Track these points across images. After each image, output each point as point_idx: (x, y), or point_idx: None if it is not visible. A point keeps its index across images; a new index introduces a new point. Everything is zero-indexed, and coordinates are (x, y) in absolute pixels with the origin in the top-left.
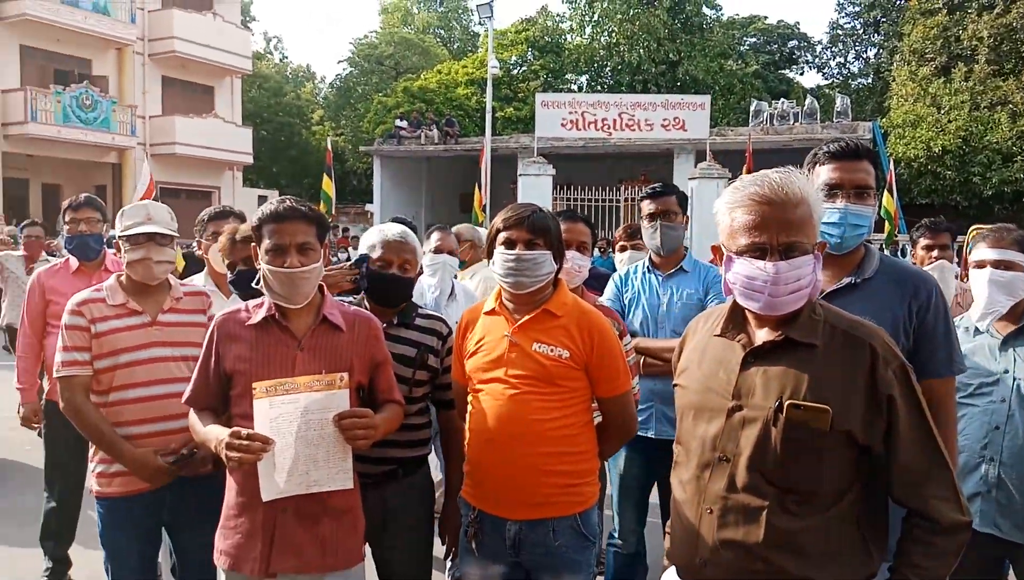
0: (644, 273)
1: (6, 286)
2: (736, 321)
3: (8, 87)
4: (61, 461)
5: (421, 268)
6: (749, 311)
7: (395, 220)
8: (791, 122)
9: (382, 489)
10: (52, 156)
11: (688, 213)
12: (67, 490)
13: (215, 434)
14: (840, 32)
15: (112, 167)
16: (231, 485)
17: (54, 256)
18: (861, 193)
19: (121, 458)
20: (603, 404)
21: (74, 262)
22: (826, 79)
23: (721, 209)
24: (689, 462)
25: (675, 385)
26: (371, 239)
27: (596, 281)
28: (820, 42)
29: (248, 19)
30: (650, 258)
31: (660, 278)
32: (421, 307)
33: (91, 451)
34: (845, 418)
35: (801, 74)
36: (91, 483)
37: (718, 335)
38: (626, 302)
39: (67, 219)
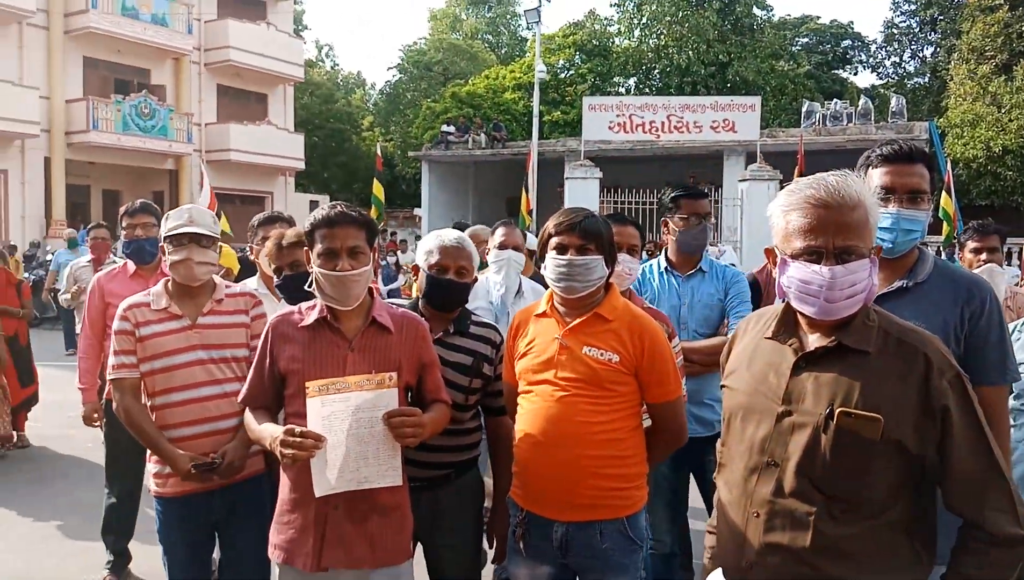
0: (661, 273)
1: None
2: (788, 324)
3: (72, 97)
4: (120, 459)
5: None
6: (801, 315)
7: (456, 226)
8: (844, 123)
9: (435, 491)
10: (112, 163)
11: (715, 217)
12: (126, 487)
13: (270, 432)
14: (895, 31)
15: (169, 173)
16: (285, 482)
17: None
18: (914, 197)
19: (164, 459)
20: (653, 410)
21: (131, 266)
22: (881, 79)
23: (776, 211)
24: (736, 464)
25: (723, 386)
26: (428, 245)
27: None
28: (875, 41)
29: (300, 28)
30: (667, 259)
31: (679, 279)
32: (475, 315)
33: (148, 451)
34: (897, 428)
35: (855, 74)
36: (149, 482)
37: (769, 338)
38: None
39: (124, 225)
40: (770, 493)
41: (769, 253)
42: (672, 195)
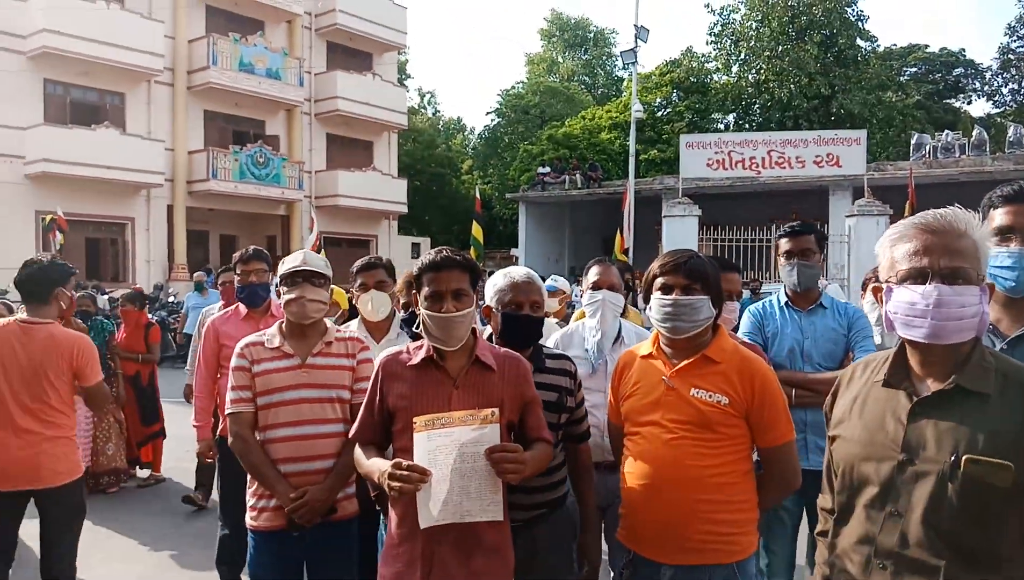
0: (781, 309)
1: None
2: (900, 369)
3: (194, 148)
4: (231, 492)
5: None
6: (914, 356)
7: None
8: (957, 154)
9: (531, 530)
10: (229, 209)
11: (824, 252)
12: (237, 519)
13: (378, 466)
14: (1012, 56)
15: (281, 219)
16: (393, 516)
17: None
18: None
19: (271, 491)
20: (764, 454)
21: (243, 309)
22: (997, 107)
23: (883, 245)
24: (855, 515)
25: (831, 436)
26: (499, 284)
27: None
28: (989, 68)
29: (404, 77)
30: (786, 294)
31: (800, 314)
32: (546, 348)
33: (248, 485)
34: None
35: (968, 103)
36: (247, 516)
37: (881, 384)
38: (768, 336)
39: (238, 271)
40: (896, 545)
41: (876, 292)
42: (776, 235)
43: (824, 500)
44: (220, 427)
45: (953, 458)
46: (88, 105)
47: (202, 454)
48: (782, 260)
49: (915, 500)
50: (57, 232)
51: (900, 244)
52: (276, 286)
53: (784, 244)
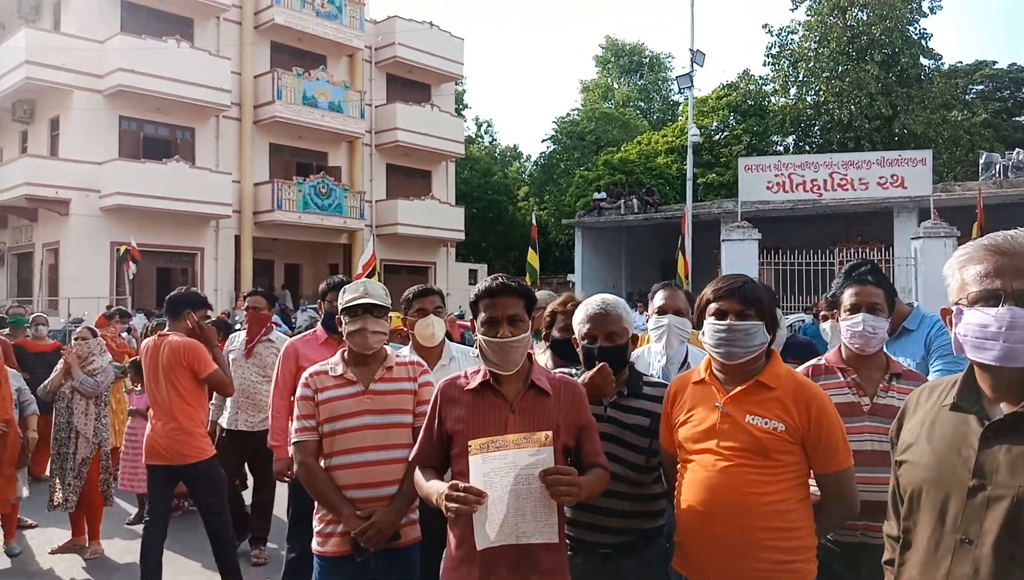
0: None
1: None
2: (970, 393)
3: (259, 180)
4: (303, 517)
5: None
6: (984, 380)
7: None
8: None
9: (619, 559)
10: (293, 239)
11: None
12: (306, 544)
13: (436, 488)
14: None
15: (343, 247)
16: (451, 540)
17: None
18: None
19: (338, 517)
20: (821, 480)
21: (322, 334)
22: None
23: (951, 267)
24: (924, 543)
25: (899, 462)
26: (578, 316)
27: (796, 350)
28: None
29: (462, 107)
30: None
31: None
32: (647, 375)
33: (315, 511)
34: None
35: None
36: (314, 541)
37: (949, 408)
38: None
39: (326, 299)
40: (969, 574)
41: (944, 313)
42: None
43: (890, 527)
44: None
45: None
46: (159, 140)
47: (279, 473)
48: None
49: (987, 527)
50: (131, 262)
51: (970, 266)
52: (337, 316)
53: (847, 297)
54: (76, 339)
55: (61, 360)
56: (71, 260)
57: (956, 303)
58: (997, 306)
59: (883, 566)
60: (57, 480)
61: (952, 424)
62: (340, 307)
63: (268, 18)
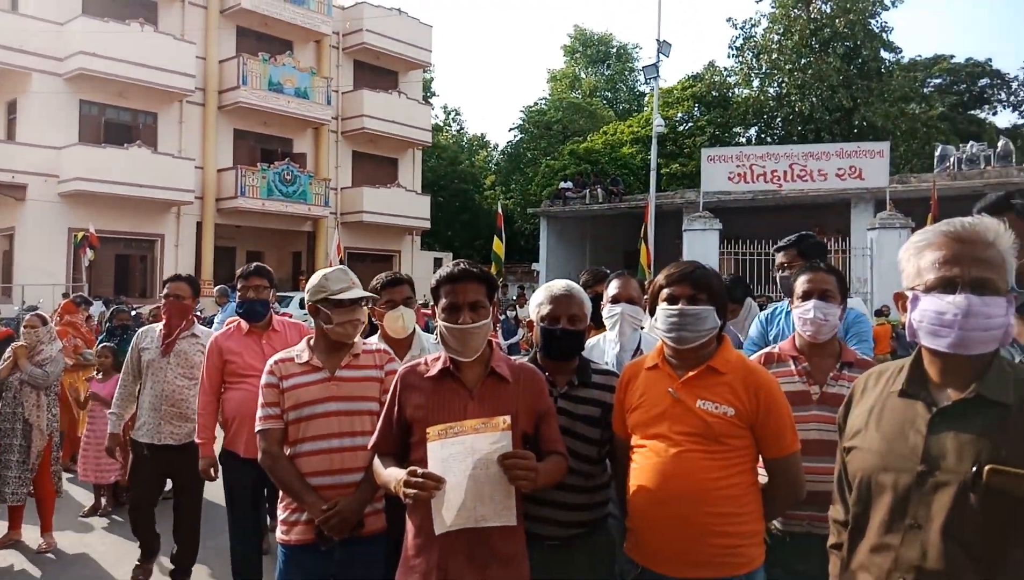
0: (787, 313)
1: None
2: (918, 379)
3: (223, 166)
4: (238, 508)
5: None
6: (933, 366)
7: (588, 271)
8: (982, 166)
9: (568, 551)
10: (257, 226)
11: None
12: (247, 533)
13: (394, 475)
14: None
15: (307, 235)
16: (409, 527)
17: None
18: None
19: (305, 506)
20: (769, 465)
21: (245, 324)
22: (1023, 117)
23: (906, 253)
24: (873, 527)
25: (847, 448)
26: (538, 298)
27: None
28: (1016, 78)
29: (429, 95)
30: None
31: None
32: (594, 363)
33: (280, 499)
34: None
35: (994, 114)
36: (279, 530)
37: (897, 394)
38: (771, 339)
39: (239, 286)
40: (917, 557)
41: (898, 298)
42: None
43: (836, 512)
44: (224, 441)
45: (975, 468)
46: (122, 125)
47: (203, 471)
48: (781, 273)
49: (935, 511)
50: (88, 249)
51: (927, 252)
52: (309, 303)
53: (779, 256)
54: (24, 327)
55: (8, 349)
56: (27, 246)
57: (912, 289)
58: (953, 293)
59: (828, 550)
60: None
61: (900, 410)
62: (325, 297)
63: (234, 2)
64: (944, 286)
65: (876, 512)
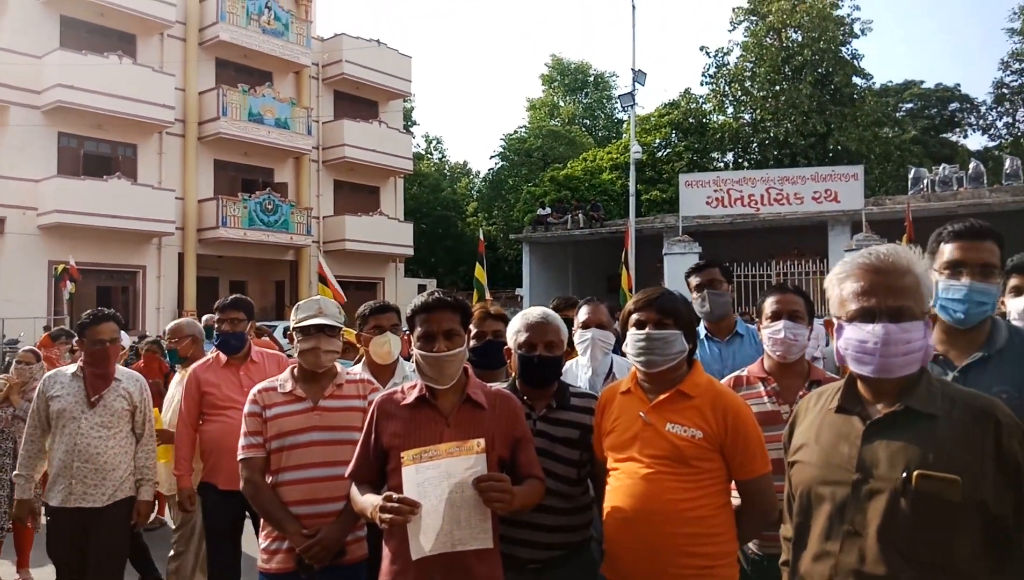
0: (702, 341)
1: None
2: (852, 396)
3: (204, 197)
4: (215, 539)
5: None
6: (864, 385)
7: (559, 298)
8: (955, 188)
9: (551, 573)
10: (239, 256)
11: (732, 283)
12: (224, 566)
13: (370, 501)
14: (1006, 91)
15: (290, 264)
16: (386, 553)
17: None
18: (985, 271)
19: (286, 534)
20: (740, 486)
21: (223, 357)
22: (993, 140)
23: (831, 282)
24: (814, 536)
25: (791, 462)
26: (515, 325)
27: None
28: (984, 103)
29: (410, 124)
30: (706, 327)
31: (719, 345)
32: (573, 386)
33: (261, 528)
34: (977, 488)
35: (965, 137)
36: (260, 559)
37: (834, 411)
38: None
39: (216, 319)
40: (856, 562)
41: (828, 325)
42: (686, 272)
43: (785, 530)
44: (202, 473)
45: (905, 474)
46: (101, 157)
47: (181, 504)
48: (693, 294)
49: (871, 517)
50: (68, 281)
51: (848, 282)
52: (288, 332)
53: (692, 279)
54: (18, 363)
55: None
56: (6, 280)
57: (837, 318)
58: (872, 322)
59: (780, 567)
60: None
61: (837, 425)
62: (293, 325)
63: (213, 35)
64: (863, 316)
65: (816, 522)
